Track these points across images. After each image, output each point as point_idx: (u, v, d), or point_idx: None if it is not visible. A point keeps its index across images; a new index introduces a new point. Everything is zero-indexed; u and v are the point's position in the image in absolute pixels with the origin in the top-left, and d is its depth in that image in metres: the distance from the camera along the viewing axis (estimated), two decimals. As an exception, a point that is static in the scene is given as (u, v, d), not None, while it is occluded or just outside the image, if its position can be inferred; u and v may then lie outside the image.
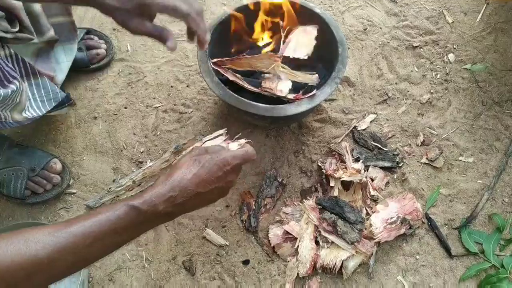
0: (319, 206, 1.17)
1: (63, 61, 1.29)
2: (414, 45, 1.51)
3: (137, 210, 0.68)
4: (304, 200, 1.21)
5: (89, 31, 1.49)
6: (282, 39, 1.24)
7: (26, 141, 1.33)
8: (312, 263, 1.13)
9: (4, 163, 1.22)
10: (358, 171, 1.21)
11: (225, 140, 0.99)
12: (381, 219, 1.16)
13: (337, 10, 1.60)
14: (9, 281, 0.59)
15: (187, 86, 1.43)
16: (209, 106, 1.39)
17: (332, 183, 1.20)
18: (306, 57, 1.19)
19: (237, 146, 0.94)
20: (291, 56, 1.20)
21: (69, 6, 1.24)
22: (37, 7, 1.09)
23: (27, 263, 0.60)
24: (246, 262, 1.17)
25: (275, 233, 1.19)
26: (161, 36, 0.84)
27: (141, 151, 1.32)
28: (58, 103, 1.20)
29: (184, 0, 0.82)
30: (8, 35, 1.02)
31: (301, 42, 1.23)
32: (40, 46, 1.21)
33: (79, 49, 1.41)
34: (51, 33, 1.18)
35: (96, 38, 1.48)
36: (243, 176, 1.28)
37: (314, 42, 1.21)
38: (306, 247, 1.15)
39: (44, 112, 1.14)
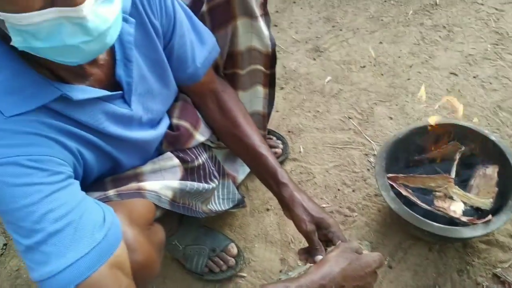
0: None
1: None
2: None
3: None
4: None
5: (269, 132, 1.71)
6: (456, 161, 1.31)
7: (208, 222, 1.52)
8: None
9: (191, 240, 1.42)
10: (530, 304, 1.18)
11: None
12: None
13: (505, 134, 1.62)
14: None
15: (353, 191, 1.54)
16: (373, 212, 1.48)
17: (501, 312, 1.19)
18: (490, 206, 1.24)
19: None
20: (474, 206, 1.26)
21: (266, 122, 1.45)
22: None
23: None
24: None
25: None
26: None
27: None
28: (235, 204, 1.38)
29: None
30: (213, 144, 1.27)
31: (482, 188, 1.29)
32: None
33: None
34: None
35: (274, 138, 1.69)
36: (404, 286, 1.31)
37: (495, 189, 1.27)
38: None
39: (223, 209, 1.32)
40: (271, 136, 1.70)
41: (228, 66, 1.25)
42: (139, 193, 0.96)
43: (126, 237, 0.83)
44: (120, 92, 0.90)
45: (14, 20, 0.61)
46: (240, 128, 1.15)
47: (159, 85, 1.03)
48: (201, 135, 1.17)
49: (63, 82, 0.79)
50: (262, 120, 1.44)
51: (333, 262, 0.85)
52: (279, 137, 1.71)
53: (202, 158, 1.18)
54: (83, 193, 0.82)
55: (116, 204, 0.88)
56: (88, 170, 0.90)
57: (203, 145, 1.24)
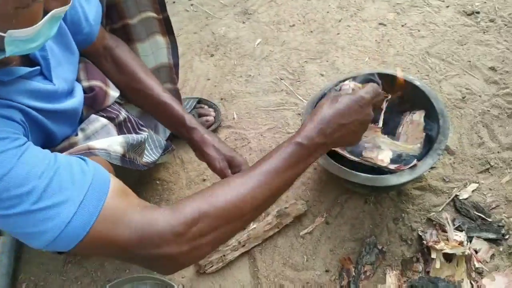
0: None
1: None
2: (517, 113, 1.49)
3: (301, 145, 0.79)
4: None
5: (200, 101, 1.66)
6: (383, 110, 1.30)
7: (144, 199, 1.47)
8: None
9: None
10: (461, 243, 1.20)
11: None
12: (488, 294, 1.13)
13: (434, 79, 1.63)
14: (227, 217, 0.73)
15: (288, 152, 1.52)
16: (308, 171, 1.47)
17: (433, 255, 1.20)
18: (419, 151, 1.23)
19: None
20: (404, 155, 1.24)
21: (175, 75, 1.40)
22: None
23: (237, 201, 0.74)
24: (346, 329, 1.18)
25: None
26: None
27: (245, 213, 1.41)
28: (163, 150, 1.34)
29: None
30: (122, 101, 1.24)
31: (411, 134, 1.28)
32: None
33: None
34: None
35: (206, 107, 1.64)
36: (341, 241, 1.31)
37: (423, 135, 1.26)
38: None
39: (156, 158, 1.27)
40: (203, 105, 1.65)
41: (115, 19, 1.19)
42: (90, 153, 0.92)
43: None
44: (38, 67, 0.87)
45: (19, 34, 0.63)
46: (139, 81, 1.15)
47: (66, 53, 1.00)
48: (114, 91, 1.14)
49: None
50: (169, 72, 1.37)
51: (325, 106, 0.84)
52: (211, 105, 1.65)
53: (123, 112, 1.14)
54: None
55: None
56: None
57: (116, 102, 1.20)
